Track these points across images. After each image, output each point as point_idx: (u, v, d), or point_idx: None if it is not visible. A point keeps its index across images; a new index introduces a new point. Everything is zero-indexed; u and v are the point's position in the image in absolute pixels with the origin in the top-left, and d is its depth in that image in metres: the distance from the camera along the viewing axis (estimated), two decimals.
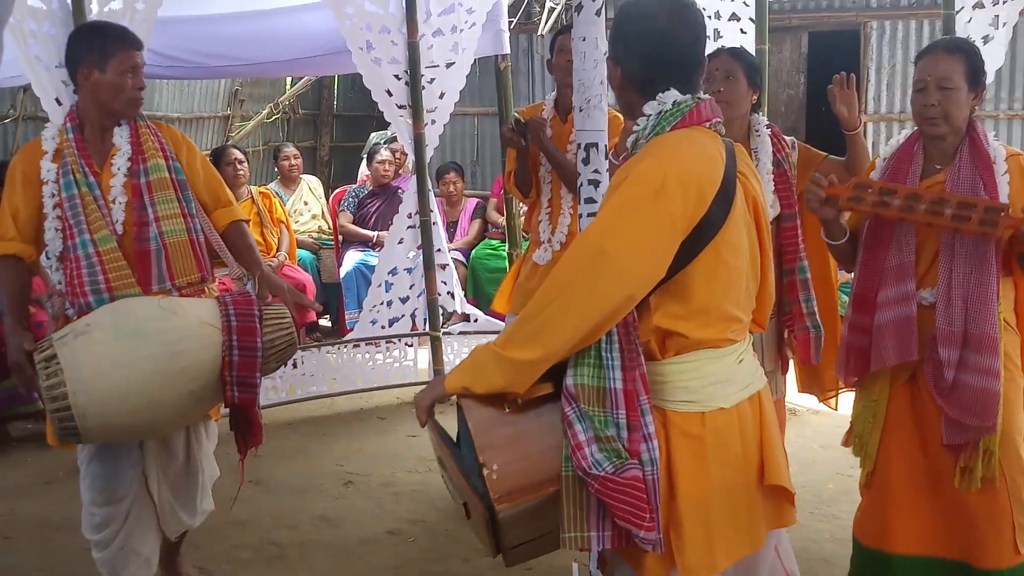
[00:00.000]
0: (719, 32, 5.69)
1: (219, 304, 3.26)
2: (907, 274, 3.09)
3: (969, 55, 3.12)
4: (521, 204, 5.92)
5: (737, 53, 3.93)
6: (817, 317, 3.77)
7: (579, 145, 3.22)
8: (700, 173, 2.20)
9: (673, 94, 2.32)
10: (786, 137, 3.95)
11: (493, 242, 8.29)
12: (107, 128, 3.48)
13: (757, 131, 3.87)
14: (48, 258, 3.52)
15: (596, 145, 3.25)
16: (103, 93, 3.41)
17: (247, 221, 3.79)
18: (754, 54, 5.57)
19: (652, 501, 2.16)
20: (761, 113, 4.06)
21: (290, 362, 4.95)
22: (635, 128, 2.36)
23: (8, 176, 3.47)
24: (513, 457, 2.19)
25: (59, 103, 5.30)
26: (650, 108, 2.33)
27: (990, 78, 5.36)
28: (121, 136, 3.47)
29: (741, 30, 5.66)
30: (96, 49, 3.40)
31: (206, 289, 3.55)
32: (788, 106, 8.87)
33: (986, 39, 5.21)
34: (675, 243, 2.16)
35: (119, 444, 3.48)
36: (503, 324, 6.80)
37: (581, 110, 3.18)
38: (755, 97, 3.89)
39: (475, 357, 2.28)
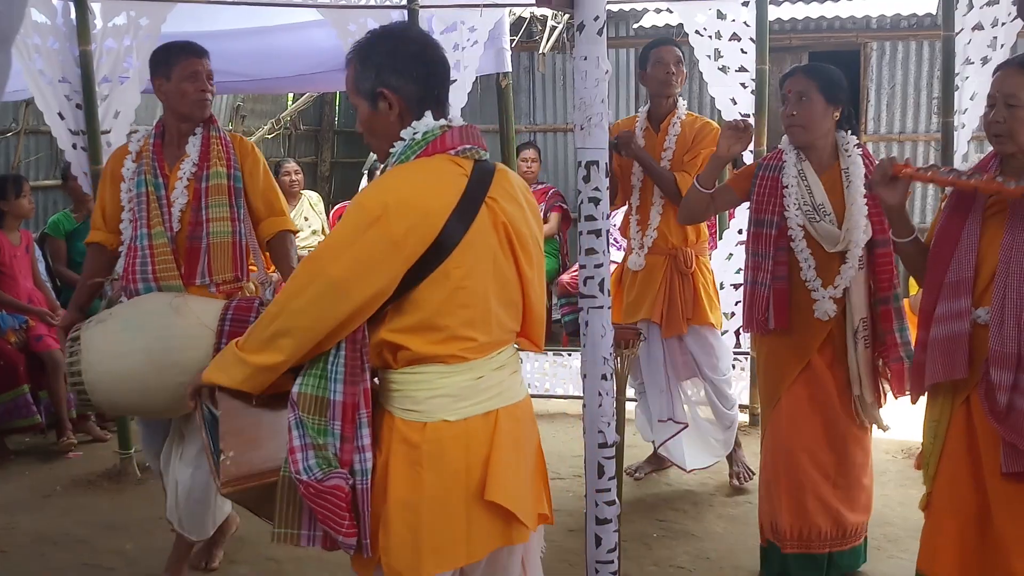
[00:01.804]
0: (719, 52, 5.72)
1: (223, 308, 3.49)
2: (963, 290, 2.99)
3: None
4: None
5: (812, 71, 3.74)
6: (912, 347, 3.57)
7: (579, 163, 3.23)
8: (425, 200, 2.29)
9: (427, 122, 2.40)
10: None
11: None
12: (184, 134, 3.88)
13: (847, 151, 3.74)
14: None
15: (596, 163, 3.25)
16: (171, 99, 3.84)
17: (295, 232, 4.13)
18: (754, 74, 5.61)
19: (360, 509, 2.29)
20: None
21: None
22: (391, 151, 2.44)
23: (102, 174, 4.03)
24: (248, 447, 2.38)
25: (61, 117, 5.34)
26: (406, 134, 2.41)
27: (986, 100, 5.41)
28: (193, 145, 3.85)
29: (742, 50, 5.69)
30: (162, 62, 3.83)
31: (243, 288, 3.88)
32: None
33: (985, 60, 5.24)
34: (398, 265, 2.26)
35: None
36: None
37: (582, 128, 3.18)
38: (837, 113, 3.73)
39: (224, 353, 2.43)
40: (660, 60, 4.78)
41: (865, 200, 3.65)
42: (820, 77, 3.68)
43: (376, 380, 2.45)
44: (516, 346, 2.57)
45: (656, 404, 4.96)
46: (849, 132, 3.82)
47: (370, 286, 2.25)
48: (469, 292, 2.34)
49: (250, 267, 3.94)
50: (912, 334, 3.52)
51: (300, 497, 2.30)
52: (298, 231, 4.35)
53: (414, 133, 2.40)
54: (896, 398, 3.74)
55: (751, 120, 5.64)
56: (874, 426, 3.87)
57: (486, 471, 2.36)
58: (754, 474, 4.88)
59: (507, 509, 2.37)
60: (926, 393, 3.15)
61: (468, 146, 2.43)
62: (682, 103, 4.97)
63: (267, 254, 4.10)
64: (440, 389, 2.35)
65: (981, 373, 2.97)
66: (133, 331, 3.39)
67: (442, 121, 2.43)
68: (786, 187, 3.74)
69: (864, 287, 3.72)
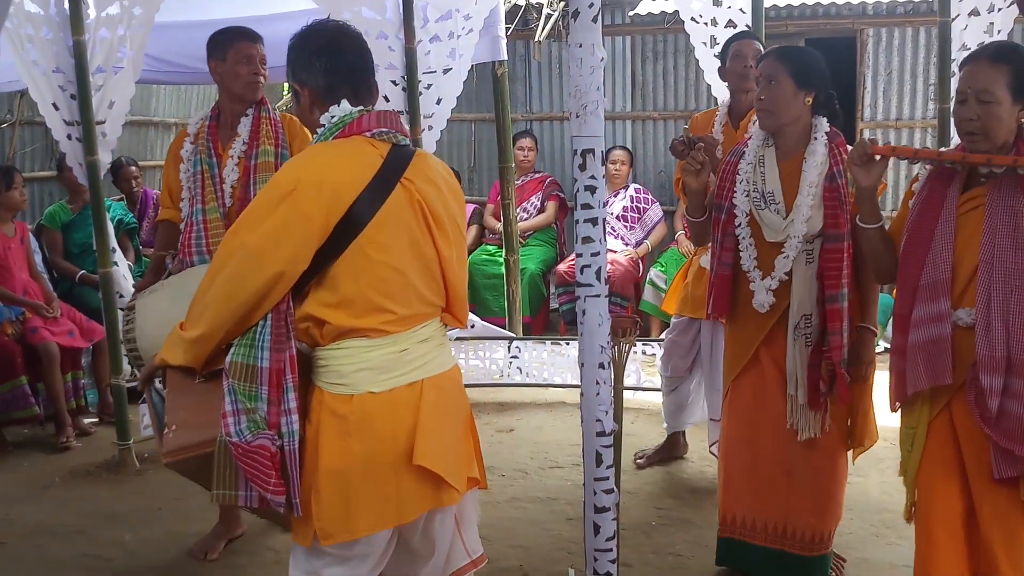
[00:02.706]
0: (715, 39, 5.70)
1: None
2: (941, 292, 2.89)
3: (1017, 64, 2.86)
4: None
5: (783, 54, 3.62)
6: (845, 351, 3.52)
7: (575, 151, 3.22)
8: (336, 178, 2.47)
9: (344, 107, 2.61)
10: None
11: (490, 248, 8.30)
12: (236, 115, 4.13)
13: (815, 136, 3.57)
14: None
15: (592, 151, 3.25)
16: (225, 80, 4.09)
17: None
18: None
19: (289, 469, 2.45)
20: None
21: None
22: (311, 140, 2.66)
23: (167, 156, 4.36)
24: (189, 420, 2.52)
25: (56, 108, 5.32)
26: (324, 119, 2.62)
27: None
28: (244, 125, 4.10)
29: None
30: (219, 45, 4.07)
31: None
32: None
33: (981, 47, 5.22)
34: (311, 238, 2.43)
35: None
36: (499, 330, 6.82)
37: (578, 116, 3.18)
38: (810, 98, 3.55)
39: (172, 333, 2.60)
40: (738, 54, 4.65)
41: (823, 191, 3.49)
42: (790, 60, 3.55)
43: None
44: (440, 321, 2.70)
45: (713, 403, 4.89)
46: (828, 118, 3.62)
47: (283, 256, 2.42)
48: (385, 267, 2.50)
49: None
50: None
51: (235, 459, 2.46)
52: None
53: (331, 117, 2.61)
54: (841, 403, 3.57)
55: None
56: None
57: (413, 438, 2.51)
58: None
59: (435, 473, 2.53)
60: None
61: (385, 129, 2.59)
62: None
63: None
64: (364, 363, 2.50)
65: (965, 378, 2.88)
66: (182, 299, 3.46)
67: (360, 107, 2.62)
68: (738, 172, 3.66)
69: (811, 283, 3.52)
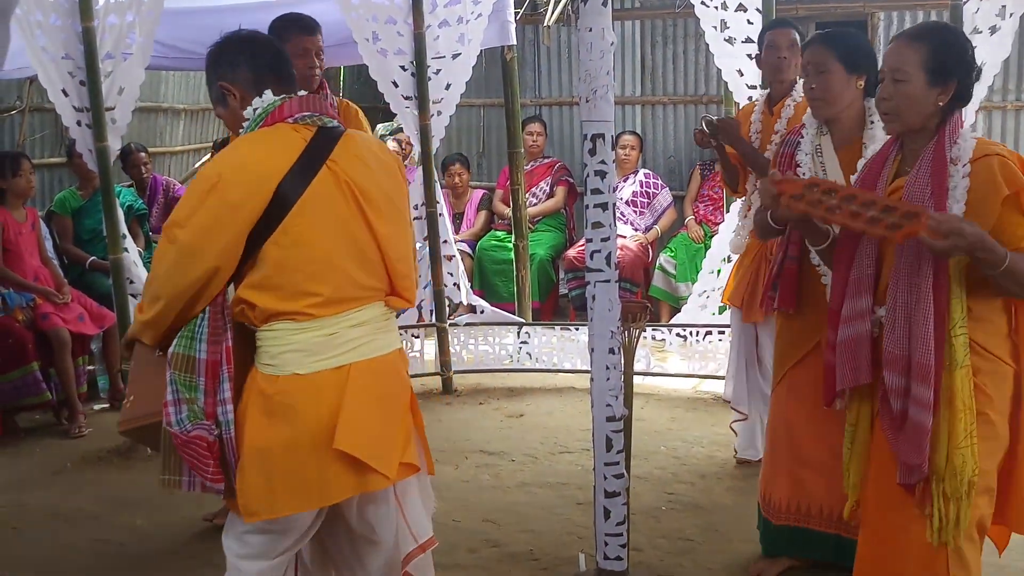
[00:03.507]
0: (725, 23, 5.68)
1: None
2: (864, 288, 2.81)
3: (935, 44, 2.73)
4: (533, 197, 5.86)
5: (830, 39, 3.53)
6: None
7: (585, 136, 3.21)
8: (258, 165, 2.55)
9: (267, 97, 2.66)
10: None
11: (499, 233, 8.29)
12: None
13: (872, 120, 3.49)
14: None
15: (603, 136, 3.24)
16: None
17: None
18: None
19: (227, 457, 2.55)
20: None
21: None
22: (240, 131, 2.72)
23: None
24: (144, 392, 2.67)
25: (65, 94, 5.33)
26: (248, 112, 2.68)
27: (996, 69, 5.36)
28: None
29: (748, 20, 5.65)
30: (277, 36, 3.92)
31: None
32: None
33: (993, 29, 5.19)
34: (239, 225, 2.50)
35: None
36: (509, 315, 6.82)
37: (587, 100, 3.18)
38: (861, 82, 3.48)
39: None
40: (772, 44, 4.57)
41: None
42: (838, 45, 3.48)
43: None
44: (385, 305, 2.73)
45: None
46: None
47: (216, 251, 2.51)
48: (309, 248, 2.55)
49: None
50: None
51: None
52: None
53: (254, 110, 2.66)
54: None
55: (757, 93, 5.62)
56: None
57: (336, 421, 2.54)
58: None
59: (354, 458, 2.56)
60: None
61: (308, 114, 2.65)
62: (799, 88, 4.59)
63: None
64: (291, 344, 2.55)
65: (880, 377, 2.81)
66: None
67: (283, 95, 2.67)
68: (799, 164, 3.64)
69: None
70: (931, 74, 2.71)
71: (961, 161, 2.68)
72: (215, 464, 2.54)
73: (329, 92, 4.28)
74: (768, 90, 4.71)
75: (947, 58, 2.73)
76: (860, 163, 3.26)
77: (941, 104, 2.74)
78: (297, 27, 4.13)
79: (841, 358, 2.86)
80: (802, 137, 3.68)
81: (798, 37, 4.57)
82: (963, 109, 2.82)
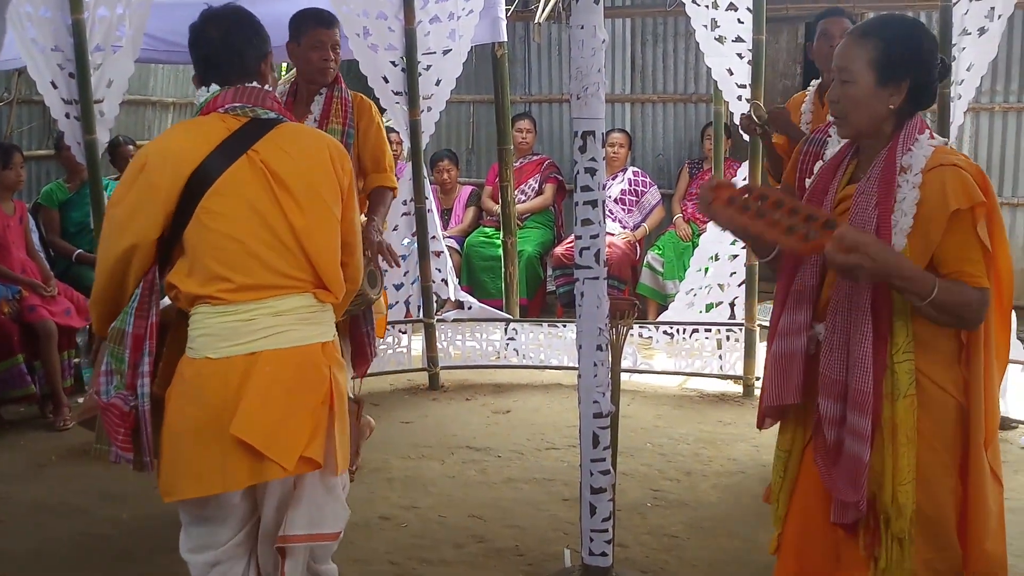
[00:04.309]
0: (716, 22, 5.69)
1: None
2: (804, 300, 2.57)
3: (885, 40, 2.47)
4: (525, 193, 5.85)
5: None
6: None
7: (575, 133, 3.22)
8: (179, 150, 2.66)
9: (213, 89, 2.80)
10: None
11: (487, 230, 8.29)
12: (311, 93, 4.38)
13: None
14: None
15: (593, 133, 3.25)
16: (299, 63, 4.37)
17: (393, 190, 4.58)
18: (751, 44, 5.58)
19: (140, 428, 2.68)
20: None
21: None
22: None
23: None
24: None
25: (54, 86, 5.31)
26: (197, 104, 2.80)
27: (984, 70, 5.38)
28: (317, 103, 4.35)
29: (738, 20, 5.66)
30: (294, 29, 4.31)
31: None
32: (785, 96, 8.86)
33: (982, 31, 5.21)
34: (158, 206, 2.62)
35: None
36: (497, 312, 6.82)
37: (578, 98, 3.18)
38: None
39: None
40: (824, 33, 4.49)
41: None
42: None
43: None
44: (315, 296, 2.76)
45: None
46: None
47: (140, 224, 2.63)
48: (221, 235, 2.62)
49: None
50: None
51: None
52: (396, 190, 4.72)
53: (199, 100, 2.77)
54: None
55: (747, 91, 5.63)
56: None
57: (237, 408, 2.58)
58: None
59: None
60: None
61: (239, 104, 2.74)
62: None
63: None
64: (206, 328, 2.63)
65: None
66: None
67: (227, 86, 2.78)
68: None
69: None
70: (880, 73, 2.46)
71: (912, 170, 2.43)
72: (126, 433, 2.68)
73: (344, 85, 4.41)
74: (819, 80, 4.60)
75: (897, 55, 2.45)
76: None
77: (893, 107, 2.48)
78: (314, 20, 4.29)
79: (770, 374, 2.63)
80: (829, 136, 3.57)
81: (849, 26, 4.47)
82: (924, 112, 2.57)
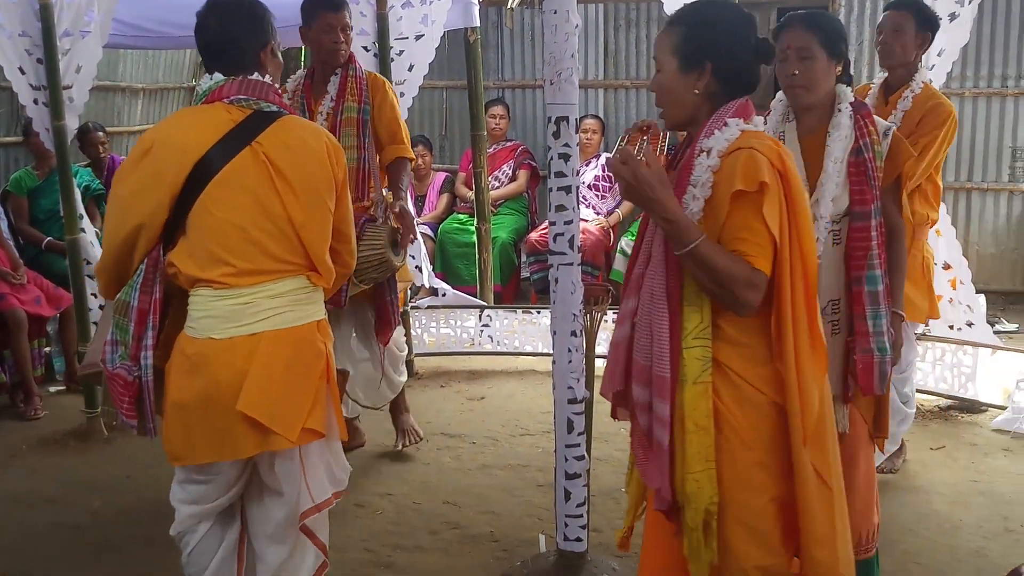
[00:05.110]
0: None
1: None
2: (632, 289, 2.58)
3: (687, 27, 2.50)
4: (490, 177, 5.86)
5: (812, 22, 3.20)
6: (885, 339, 3.11)
7: (549, 119, 3.21)
8: (185, 138, 2.77)
9: (216, 78, 2.86)
10: (882, 122, 3.29)
11: (461, 216, 8.27)
12: (327, 75, 4.57)
13: (839, 108, 3.20)
14: None
15: (566, 119, 3.25)
16: (312, 46, 4.58)
17: (411, 160, 4.70)
18: None
19: (143, 398, 2.83)
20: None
21: None
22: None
23: None
24: (102, 343, 2.96)
25: (22, 72, 5.24)
26: (198, 90, 2.92)
27: (955, 56, 5.41)
28: (333, 84, 4.54)
29: None
30: (306, 13, 4.51)
31: (363, 206, 4.38)
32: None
33: (952, 16, 5.24)
34: (165, 191, 2.74)
35: None
36: (471, 298, 6.82)
37: (552, 83, 3.17)
38: (839, 69, 3.22)
39: None
40: (880, 26, 4.40)
41: (848, 167, 3.14)
42: (821, 29, 3.17)
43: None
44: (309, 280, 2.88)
45: None
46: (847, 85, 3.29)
47: (143, 206, 2.74)
48: (224, 222, 2.74)
49: (369, 189, 4.52)
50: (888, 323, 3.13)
51: None
52: (414, 159, 4.88)
53: (201, 88, 2.89)
54: (864, 395, 3.20)
55: None
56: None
57: (242, 385, 2.72)
58: None
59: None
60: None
61: (244, 97, 2.83)
62: (922, 75, 4.41)
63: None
64: (210, 311, 2.76)
65: None
66: None
67: (231, 77, 2.85)
68: None
69: (839, 265, 3.18)
70: (682, 60, 2.46)
71: (711, 154, 2.41)
72: (130, 401, 2.84)
73: (358, 65, 4.60)
74: (886, 74, 4.48)
75: (697, 41, 2.45)
76: (827, 152, 3.13)
77: (698, 92, 2.46)
78: (323, 4, 4.47)
79: (607, 363, 2.65)
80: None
81: (910, 19, 4.32)
82: (746, 97, 2.50)
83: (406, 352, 5.09)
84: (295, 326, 2.83)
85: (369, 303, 4.56)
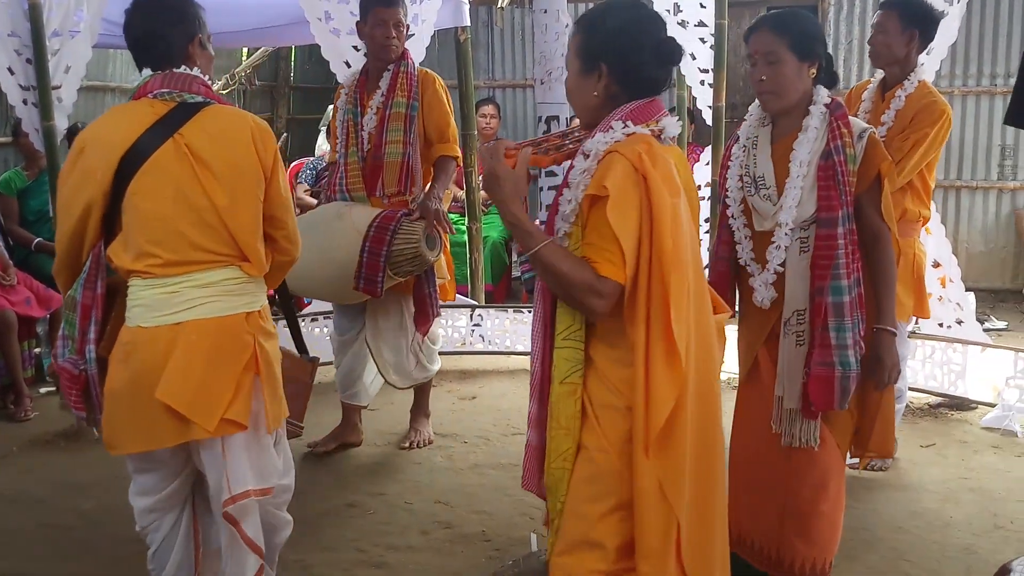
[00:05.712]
0: (679, 6, 5.71)
1: (373, 217, 4.39)
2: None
3: (584, 30, 2.51)
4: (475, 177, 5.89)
5: (779, 24, 3.09)
6: (850, 353, 2.98)
7: (540, 118, 3.22)
8: (110, 136, 2.85)
9: (145, 73, 2.98)
10: (860, 125, 3.16)
11: (452, 216, 8.26)
12: (379, 70, 4.71)
13: (810, 110, 3.09)
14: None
15: (557, 118, 3.26)
16: (366, 41, 4.71)
17: (456, 159, 4.81)
18: (713, 28, 5.59)
19: (89, 390, 2.95)
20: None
21: None
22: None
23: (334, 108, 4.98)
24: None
25: (11, 72, 5.24)
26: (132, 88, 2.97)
27: (943, 54, 5.43)
28: (385, 79, 4.68)
29: (700, 4, 5.68)
30: (363, 9, 4.68)
31: (406, 200, 4.60)
32: (746, 80, 8.91)
33: (941, 14, 5.24)
34: (96, 187, 2.83)
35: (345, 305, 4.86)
36: (462, 298, 6.82)
37: (542, 83, 3.18)
38: (814, 70, 3.09)
39: None
40: (873, 26, 4.40)
41: (816, 170, 3.04)
42: (791, 31, 3.06)
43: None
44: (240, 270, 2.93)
45: None
46: (827, 85, 3.17)
47: (79, 205, 2.85)
48: (148, 214, 2.82)
49: (412, 184, 4.64)
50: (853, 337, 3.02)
51: None
52: (459, 157, 4.89)
53: (133, 86, 2.84)
54: (816, 410, 3.07)
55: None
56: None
57: (161, 374, 2.79)
58: None
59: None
60: None
61: (166, 90, 2.88)
62: (918, 74, 4.39)
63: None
64: (139, 300, 2.85)
65: None
66: (309, 230, 3.86)
67: (158, 72, 2.93)
68: (731, 157, 3.30)
69: (805, 274, 3.07)
70: (582, 61, 2.48)
71: (588, 155, 2.41)
72: (77, 394, 2.95)
73: (411, 60, 4.70)
74: (883, 73, 4.48)
75: (591, 42, 2.46)
76: (792, 155, 3.06)
77: (596, 94, 2.46)
78: (375, 0, 4.59)
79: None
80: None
81: (893, 17, 4.31)
82: (643, 99, 2.46)
83: (440, 344, 5.22)
84: (220, 316, 2.87)
85: (410, 295, 4.75)
